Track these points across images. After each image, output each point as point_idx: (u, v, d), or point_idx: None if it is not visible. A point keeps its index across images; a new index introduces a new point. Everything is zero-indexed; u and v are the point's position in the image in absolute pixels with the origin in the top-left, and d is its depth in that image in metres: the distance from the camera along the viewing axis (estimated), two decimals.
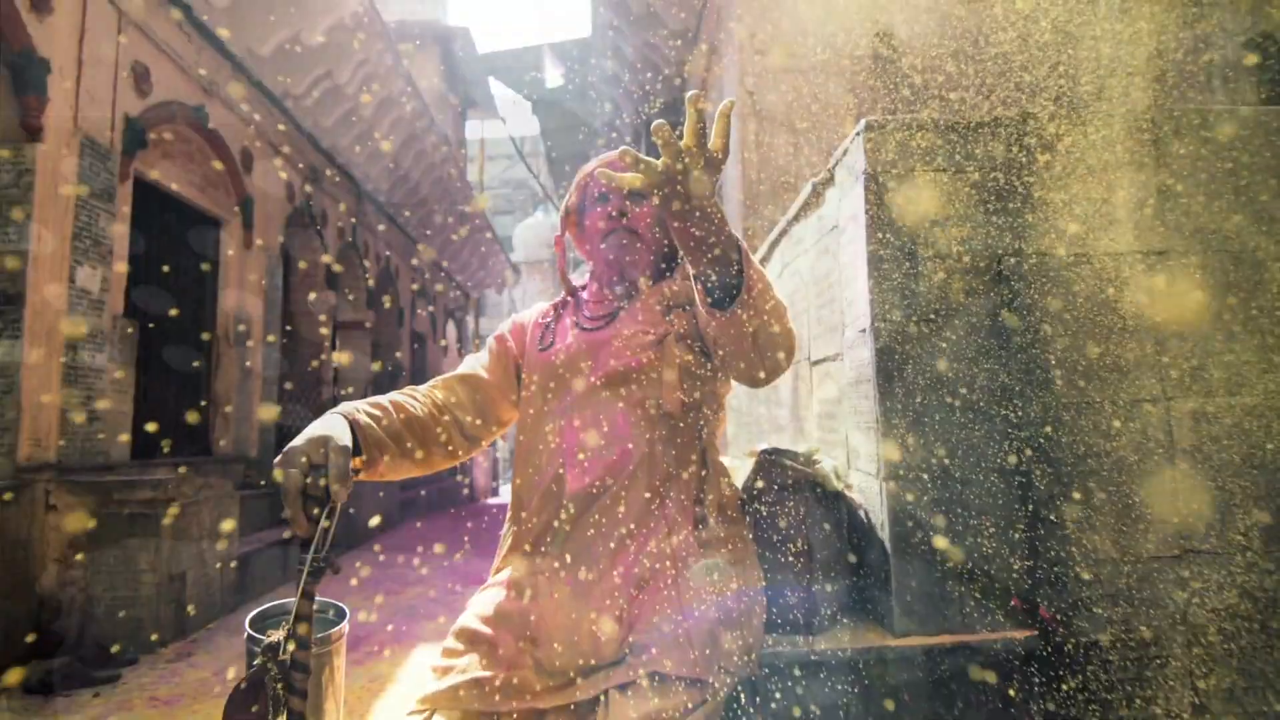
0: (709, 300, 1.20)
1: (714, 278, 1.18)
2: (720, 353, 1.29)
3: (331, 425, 1.19)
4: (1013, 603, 1.53)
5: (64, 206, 4.38)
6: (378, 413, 1.31)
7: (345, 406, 1.27)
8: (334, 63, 7.18)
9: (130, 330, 5.03)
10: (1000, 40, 4.40)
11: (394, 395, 1.41)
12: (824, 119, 4.75)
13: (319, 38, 6.66)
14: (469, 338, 16.68)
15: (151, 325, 5.51)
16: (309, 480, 1.10)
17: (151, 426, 5.29)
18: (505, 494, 17.73)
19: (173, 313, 5.79)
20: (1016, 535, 1.55)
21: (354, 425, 1.24)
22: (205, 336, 6.32)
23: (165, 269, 5.80)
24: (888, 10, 4.69)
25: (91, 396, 4.59)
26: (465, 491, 14.50)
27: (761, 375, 1.27)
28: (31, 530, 4.09)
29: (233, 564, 5.00)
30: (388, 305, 10.85)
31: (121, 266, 4.95)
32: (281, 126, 7.18)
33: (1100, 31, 3.95)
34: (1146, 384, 1.60)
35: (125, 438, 5.00)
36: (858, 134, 1.70)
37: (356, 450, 1.24)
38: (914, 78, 4.60)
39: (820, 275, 2.10)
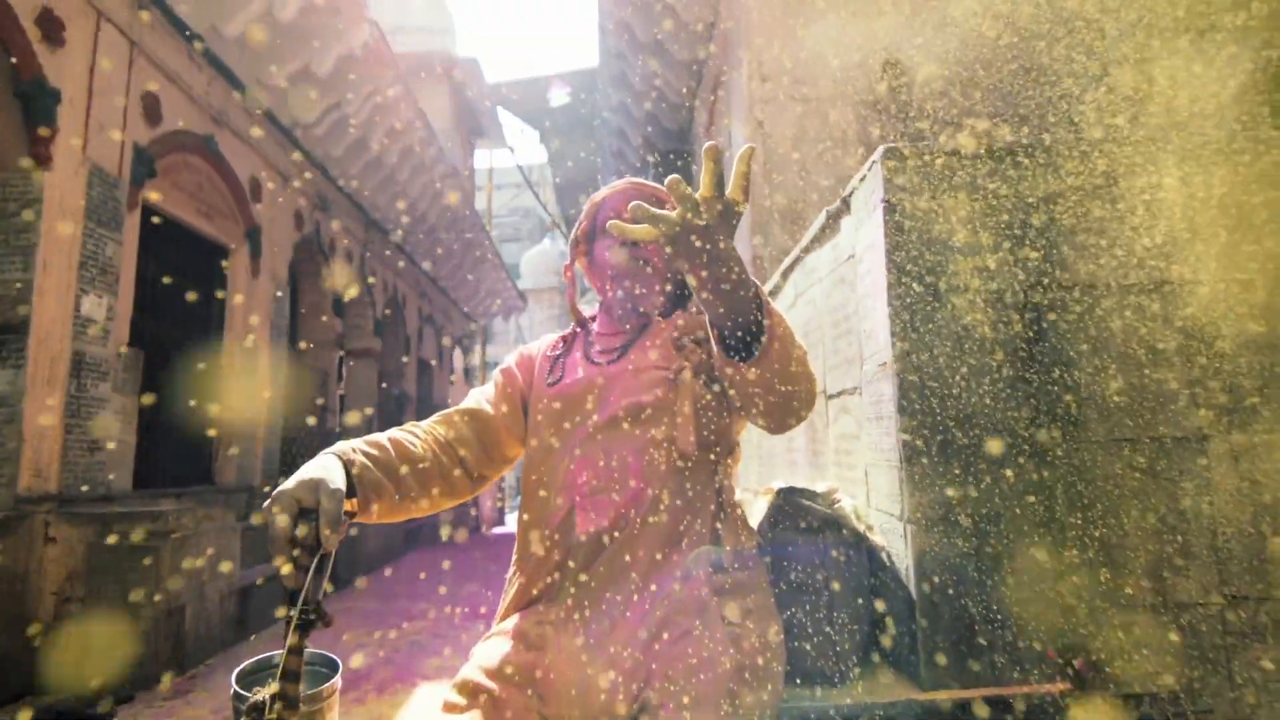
0: (727, 350, 1.15)
1: (732, 327, 1.13)
2: (739, 401, 1.23)
3: (324, 467, 1.12)
4: (1046, 653, 1.45)
5: (71, 235, 4.37)
6: (374, 452, 1.24)
7: (340, 446, 1.21)
8: (343, 93, 7.23)
9: (135, 359, 4.99)
10: (1011, 67, 4.38)
11: (393, 433, 1.34)
12: (832, 147, 4.72)
13: (329, 68, 6.71)
14: (476, 365, 16.65)
15: (157, 353, 5.48)
16: (299, 526, 1.04)
17: (154, 456, 5.23)
18: (512, 523, 17.58)
19: (178, 341, 5.77)
20: (1048, 581, 1.47)
21: (348, 466, 1.17)
22: (211, 364, 6.29)
23: (172, 297, 5.78)
24: (895, 39, 4.68)
25: (94, 426, 4.54)
26: (471, 514, 14.36)
27: (782, 424, 1.22)
28: (30, 562, 4.02)
29: (234, 597, 4.91)
30: (394, 333, 10.83)
31: (127, 295, 4.93)
32: (290, 156, 7.21)
33: (1111, 57, 3.92)
34: (1183, 420, 1.52)
35: (127, 467, 4.94)
36: (875, 161, 1.65)
37: (351, 492, 1.17)
38: (923, 105, 4.57)
39: (836, 305, 2.04)
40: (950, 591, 1.45)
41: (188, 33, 5.48)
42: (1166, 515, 1.51)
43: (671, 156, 8.38)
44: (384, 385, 10.49)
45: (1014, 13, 4.40)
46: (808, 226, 4.57)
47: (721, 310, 1.11)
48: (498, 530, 15.82)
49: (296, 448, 7.56)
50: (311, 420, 8.17)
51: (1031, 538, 1.47)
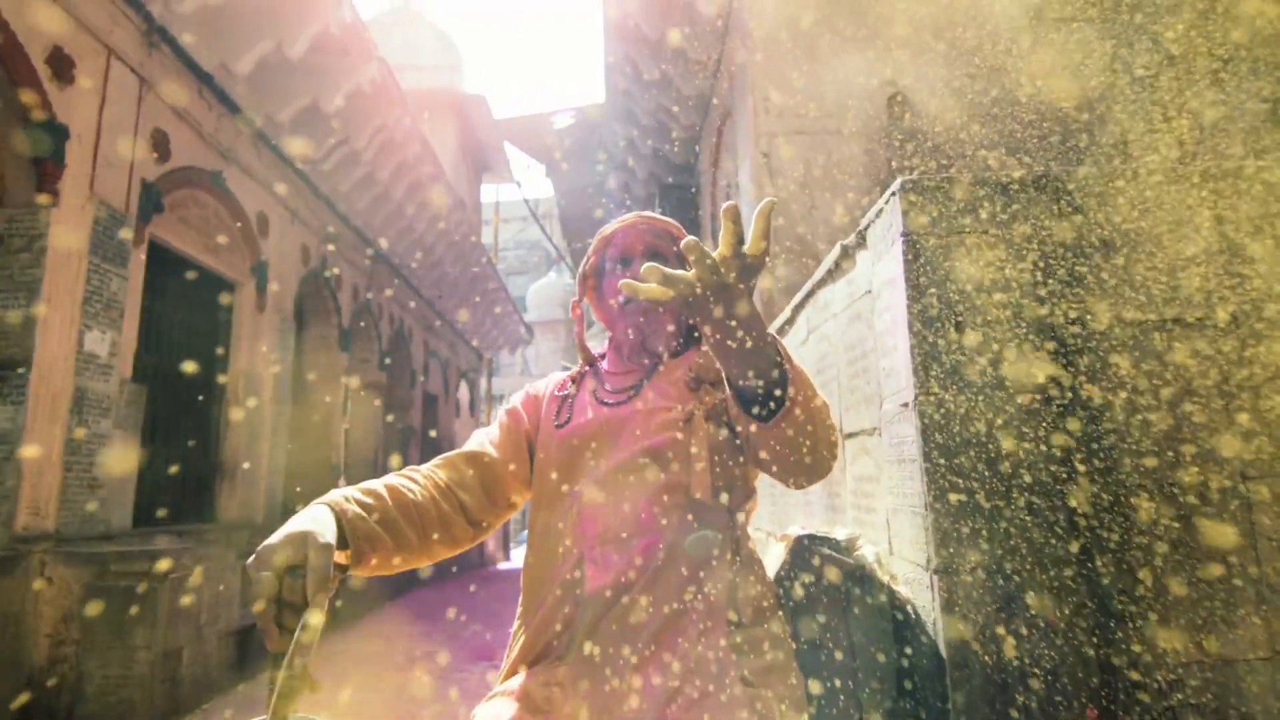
0: (745, 407, 1.11)
1: (751, 388, 1.09)
2: (756, 457, 1.18)
3: (314, 518, 1.05)
4: (1088, 713, 1.35)
5: (76, 271, 4.36)
6: (369, 500, 1.17)
7: (333, 495, 1.14)
8: (351, 129, 7.28)
9: (138, 394, 4.95)
10: (1021, 100, 4.36)
11: (390, 479, 1.27)
12: (839, 179, 4.70)
13: (337, 105, 6.76)
14: (481, 398, 16.60)
15: (160, 388, 5.44)
16: (285, 584, 0.96)
17: (155, 492, 5.16)
18: (517, 557, 17.37)
19: (183, 376, 5.73)
20: (1085, 635, 1.38)
21: (341, 516, 1.10)
22: (215, 399, 6.24)
23: (177, 331, 5.76)
24: (903, 72, 4.68)
25: (94, 463, 4.48)
26: (476, 540, 14.18)
27: (801, 482, 1.16)
28: (25, 604, 3.93)
29: (232, 639, 4.80)
30: (400, 366, 10.79)
31: (132, 330, 4.90)
32: (298, 191, 7.24)
33: (1129, 88, 3.89)
34: (1225, 464, 1.44)
35: (127, 505, 4.86)
36: (893, 194, 1.60)
37: (344, 544, 1.10)
38: (931, 139, 4.55)
39: (852, 342, 1.97)
40: (981, 647, 1.36)
41: (198, 70, 5.53)
42: (1209, 565, 1.42)
43: (676, 190, 8.40)
44: (390, 419, 10.42)
45: (1023, 46, 4.40)
46: (815, 259, 4.52)
47: (739, 370, 1.08)
48: (503, 566, 15.63)
49: (300, 483, 7.47)
50: (316, 455, 8.10)
51: (1069, 590, 1.39)
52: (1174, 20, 3.93)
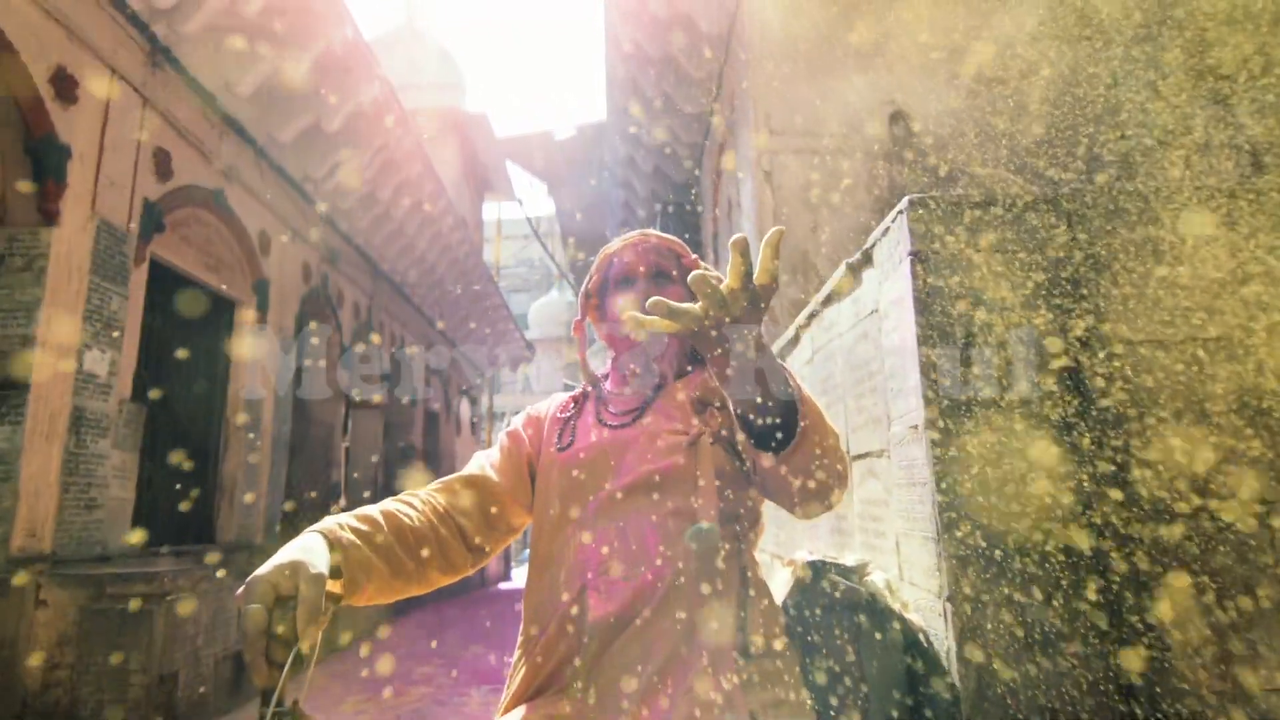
0: (753, 437, 1.08)
1: (759, 420, 1.07)
2: (764, 487, 1.16)
3: (306, 548, 1.01)
4: None
5: (76, 290, 4.34)
6: (364, 528, 1.13)
7: (326, 522, 1.10)
8: (354, 148, 7.30)
9: (137, 413, 4.91)
10: (1023, 118, 4.35)
11: (387, 504, 1.24)
12: (841, 198, 4.69)
13: (339, 124, 6.78)
14: (483, 415, 16.55)
15: (160, 407, 5.40)
16: (275, 616, 0.93)
17: (153, 513, 5.11)
18: (518, 577, 17.24)
19: (182, 395, 5.70)
20: (1110, 671, 1.33)
21: (334, 544, 1.07)
22: (215, 419, 6.21)
23: (177, 351, 5.73)
24: (903, 91, 4.68)
25: (92, 483, 4.44)
26: (476, 566, 14.07)
27: (810, 513, 1.13)
28: (20, 627, 3.88)
29: (229, 662, 4.73)
30: (400, 384, 10.76)
31: (131, 349, 4.87)
32: (299, 209, 7.25)
33: (1127, 105, 3.89)
34: (1248, 487, 1.40)
35: (125, 526, 4.82)
36: (900, 212, 1.57)
37: (337, 573, 1.06)
38: (932, 157, 4.54)
39: (859, 362, 1.94)
40: (998, 678, 1.32)
41: (200, 90, 5.54)
42: (1227, 591, 1.38)
43: (678, 208, 8.41)
44: (390, 436, 10.37)
45: (1028, 63, 4.40)
46: (818, 278, 4.50)
47: (749, 403, 1.06)
48: (504, 586, 15.50)
49: (300, 504, 7.42)
50: (316, 474, 8.05)
51: (1091, 622, 1.34)
52: (1180, 38, 3.93)
